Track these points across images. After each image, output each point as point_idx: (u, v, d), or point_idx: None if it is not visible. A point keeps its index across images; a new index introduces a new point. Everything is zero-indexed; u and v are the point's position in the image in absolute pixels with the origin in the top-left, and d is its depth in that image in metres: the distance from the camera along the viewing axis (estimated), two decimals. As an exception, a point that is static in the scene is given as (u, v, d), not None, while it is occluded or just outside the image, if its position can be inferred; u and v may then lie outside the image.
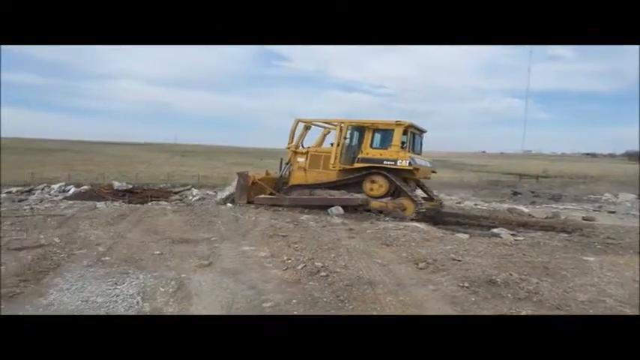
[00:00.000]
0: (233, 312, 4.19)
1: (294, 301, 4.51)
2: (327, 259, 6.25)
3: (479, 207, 17.04)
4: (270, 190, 13.46)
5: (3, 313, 3.93)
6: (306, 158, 13.60)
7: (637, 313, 4.40)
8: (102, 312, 4.07)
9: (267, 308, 4.30)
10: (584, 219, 13.14)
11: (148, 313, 4.13)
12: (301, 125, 13.94)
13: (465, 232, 9.42)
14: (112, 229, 8.24)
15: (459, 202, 18.73)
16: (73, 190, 14.67)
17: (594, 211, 16.47)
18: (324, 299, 4.61)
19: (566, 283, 5.25)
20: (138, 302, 4.35)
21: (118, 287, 4.79)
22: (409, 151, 12.42)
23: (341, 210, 11.78)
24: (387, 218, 11.23)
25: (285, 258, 6.26)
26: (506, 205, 17.32)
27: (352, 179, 12.73)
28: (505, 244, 7.80)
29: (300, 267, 5.77)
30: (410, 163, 11.99)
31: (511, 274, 5.40)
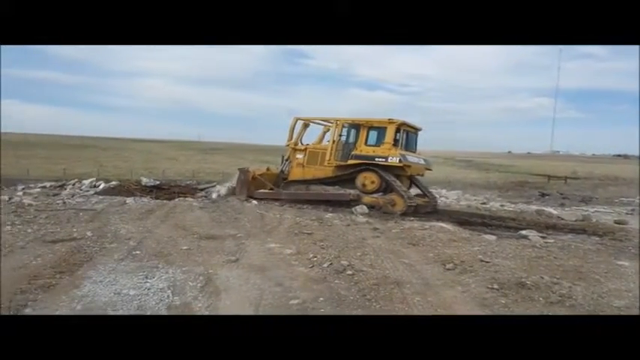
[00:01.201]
0: (261, 308, 4.23)
1: (320, 299, 4.52)
2: (353, 257, 6.24)
3: (505, 208, 16.68)
4: (270, 185, 13.96)
5: (35, 310, 4.06)
6: (305, 155, 14.10)
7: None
8: (134, 304, 4.16)
9: (295, 305, 4.32)
10: (616, 222, 12.71)
11: (179, 311, 4.20)
12: (300, 123, 14.44)
13: (492, 234, 9.25)
14: (141, 224, 8.42)
15: (484, 203, 18.35)
16: (102, 185, 15.01)
17: (627, 214, 15.91)
18: (351, 297, 4.60)
19: (600, 288, 5.10)
20: (168, 296, 4.43)
21: (149, 281, 4.89)
22: (401, 149, 12.81)
23: (365, 209, 11.76)
24: (412, 218, 11.15)
25: (311, 256, 6.28)
26: (533, 207, 16.90)
27: (346, 175, 13.17)
28: (534, 247, 7.64)
29: (326, 265, 5.79)
30: (400, 160, 12.37)
31: (542, 277, 5.28)
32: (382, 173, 12.59)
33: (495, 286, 4.95)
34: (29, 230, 7.33)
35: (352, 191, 12.69)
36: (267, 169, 14.94)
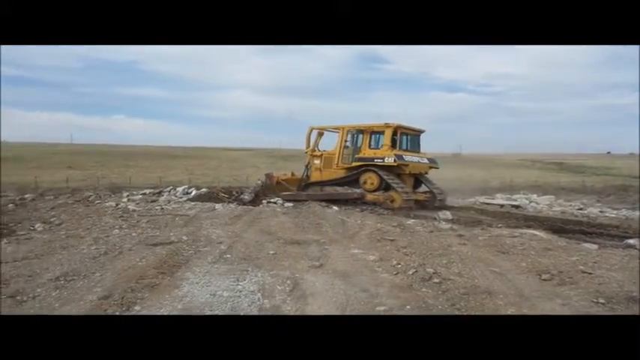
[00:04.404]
0: (348, 314, 4.26)
1: (407, 306, 4.45)
2: (439, 265, 6.07)
3: (606, 215, 15.25)
4: (291, 187, 15.83)
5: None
6: (321, 160, 15.96)
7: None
8: (228, 306, 4.40)
9: (382, 312, 4.29)
10: None
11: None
12: (315, 132, 16.31)
13: (593, 242, 8.49)
14: (230, 229, 8.88)
15: (581, 209, 16.92)
16: (194, 192, 16.05)
17: None
18: (439, 307, 4.48)
19: None
20: (259, 299, 4.62)
21: (240, 283, 5.13)
22: (399, 150, 14.29)
23: (449, 215, 11.43)
24: (500, 224, 10.60)
25: (395, 262, 6.20)
26: (640, 213, 15.25)
27: (353, 176, 14.74)
28: (645, 258, 6.88)
29: (410, 272, 5.68)
30: (395, 159, 13.73)
31: (657, 292, 4.74)
32: (381, 173, 13.92)
33: (601, 300, 4.53)
34: (134, 234, 8.06)
35: (357, 190, 14.20)
36: (292, 174, 16.92)
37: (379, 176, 13.93)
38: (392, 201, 13.41)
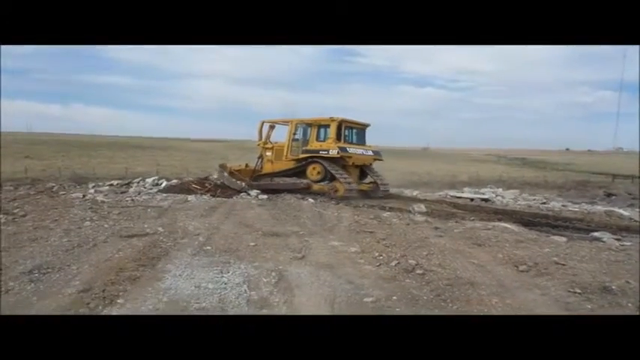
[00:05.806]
0: (336, 305, 4.26)
1: (394, 297, 4.49)
2: (419, 257, 6.16)
3: (568, 209, 15.87)
4: (243, 178, 16.36)
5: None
6: (272, 152, 16.50)
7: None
8: (215, 298, 4.31)
9: (370, 304, 4.32)
10: (697, 225, 11.75)
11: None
12: (266, 125, 16.82)
13: (561, 235, 8.82)
14: (206, 220, 8.72)
15: (545, 203, 17.54)
16: (164, 183, 15.66)
17: None
18: (425, 297, 4.54)
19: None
20: (245, 291, 4.55)
21: (225, 275, 5.04)
22: (344, 143, 14.93)
23: (423, 208, 11.60)
24: (472, 217, 10.87)
25: (377, 254, 6.26)
26: (599, 207, 15.98)
27: (301, 167, 15.39)
28: (610, 250, 7.21)
29: (393, 264, 5.75)
30: (338, 151, 14.39)
31: (628, 282, 4.98)
32: (325, 164, 14.54)
33: (577, 290, 4.72)
34: (106, 225, 7.79)
35: (304, 180, 14.85)
36: (246, 165, 17.44)
37: (324, 167, 14.59)
38: (335, 191, 14.05)
